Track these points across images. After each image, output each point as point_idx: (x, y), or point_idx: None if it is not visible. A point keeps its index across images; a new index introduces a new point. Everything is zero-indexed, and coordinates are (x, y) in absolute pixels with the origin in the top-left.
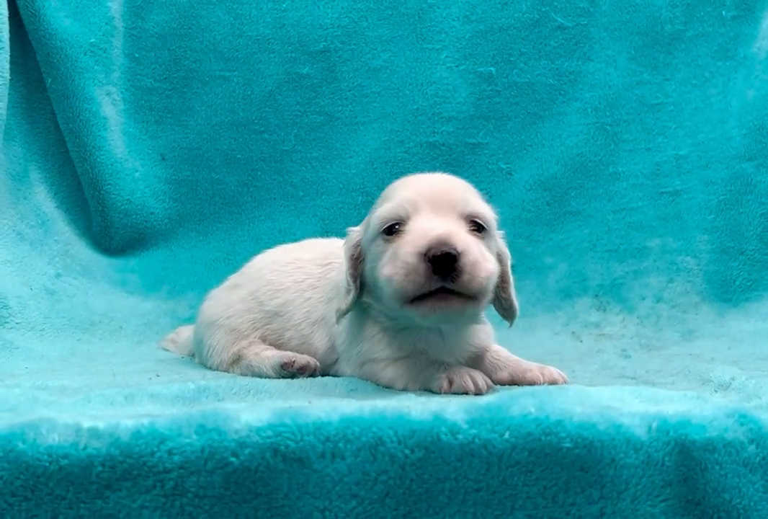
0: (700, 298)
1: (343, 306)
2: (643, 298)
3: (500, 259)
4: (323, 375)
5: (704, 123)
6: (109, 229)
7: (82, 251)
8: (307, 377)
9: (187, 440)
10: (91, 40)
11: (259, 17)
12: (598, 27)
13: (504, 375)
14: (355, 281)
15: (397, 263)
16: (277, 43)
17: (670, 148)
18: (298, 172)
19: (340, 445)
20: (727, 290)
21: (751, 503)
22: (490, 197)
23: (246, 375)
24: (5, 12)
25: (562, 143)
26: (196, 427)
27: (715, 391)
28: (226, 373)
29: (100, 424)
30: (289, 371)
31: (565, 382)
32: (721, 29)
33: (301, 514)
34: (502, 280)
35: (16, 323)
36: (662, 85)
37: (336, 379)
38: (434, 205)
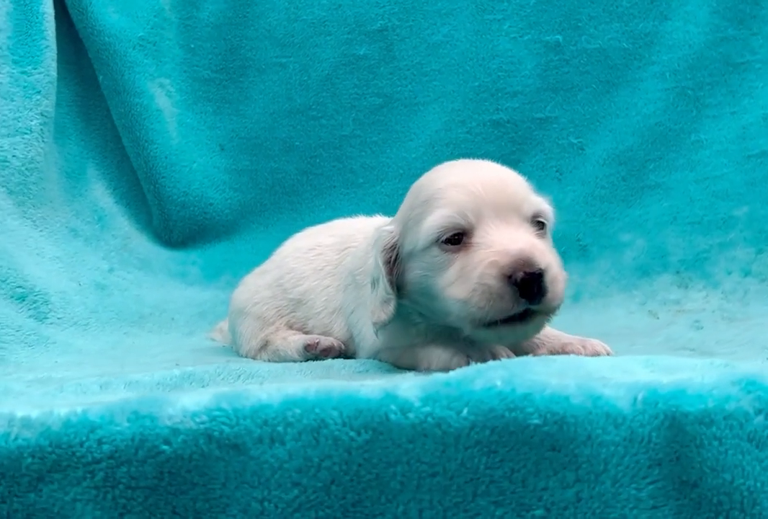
0: None
1: (383, 317)
2: (729, 273)
3: None
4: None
5: None
6: (168, 222)
7: (142, 245)
8: (332, 359)
9: (118, 428)
10: (140, 34)
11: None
12: None
13: (543, 352)
14: (393, 288)
15: (473, 285)
16: (333, 25)
17: (757, 108)
18: (358, 157)
19: (279, 428)
20: None
21: (758, 484)
22: (560, 175)
23: (273, 360)
24: (51, 11)
25: (638, 112)
26: (129, 414)
27: None
28: (236, 359)
29: (34, 414)
30: (312, 353)
31: (609, 355)
32: None
33: (239, 505)
34: None
35: (57, 318)
36: (748, 40)
37: (346, 361)
38: (498, 210)
